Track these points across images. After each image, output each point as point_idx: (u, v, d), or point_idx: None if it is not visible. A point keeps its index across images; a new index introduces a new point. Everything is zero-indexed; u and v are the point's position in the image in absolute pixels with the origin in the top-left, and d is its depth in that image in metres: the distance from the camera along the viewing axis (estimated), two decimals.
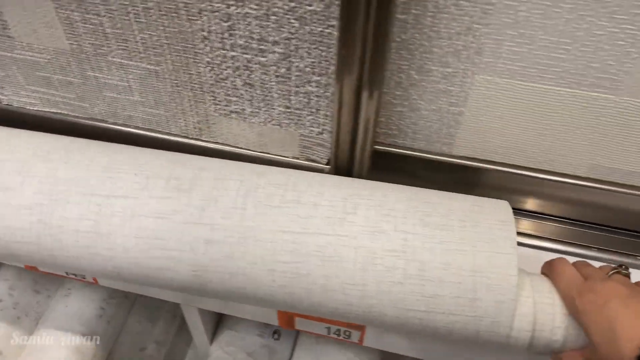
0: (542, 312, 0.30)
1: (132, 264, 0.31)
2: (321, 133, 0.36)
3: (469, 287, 0.29)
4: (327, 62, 0.31)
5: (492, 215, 0.31)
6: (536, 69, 0.31)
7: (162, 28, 0.32)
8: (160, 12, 0.31)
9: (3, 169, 0.32)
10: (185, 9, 0.31)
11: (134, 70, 0.36)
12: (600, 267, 0.31)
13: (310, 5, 0.28)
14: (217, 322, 0.56)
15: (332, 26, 0.29)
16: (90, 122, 0.40)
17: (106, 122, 0.40)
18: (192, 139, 0.39)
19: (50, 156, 0.33)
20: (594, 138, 0.34)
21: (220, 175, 0.32)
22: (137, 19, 0.32)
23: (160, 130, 0.39)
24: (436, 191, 0.33)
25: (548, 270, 0.32)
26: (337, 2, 0.27)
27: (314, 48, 0.31)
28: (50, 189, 0.31)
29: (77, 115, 0.40)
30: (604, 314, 0.27)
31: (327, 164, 0.37)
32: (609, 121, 0.33)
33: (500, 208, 0.32)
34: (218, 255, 0.30)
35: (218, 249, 0.30)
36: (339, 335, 0.39)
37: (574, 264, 0.31)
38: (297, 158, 0.38)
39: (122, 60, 0.35)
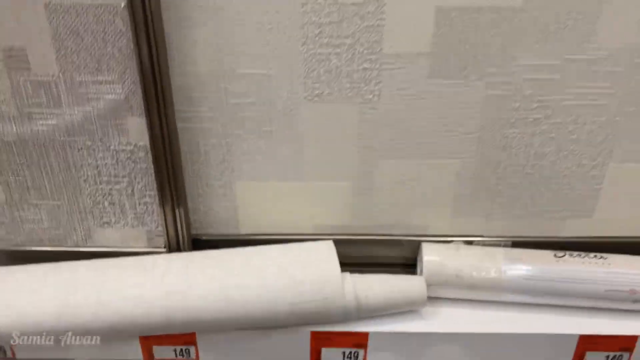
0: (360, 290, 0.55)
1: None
2: (158, 228, 0.62)
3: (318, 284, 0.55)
4: (153, 186, 0.59)
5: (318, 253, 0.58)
6: (275, 172, 0.60)
7: (60, 179, 0.59)
8: (60, 168, 0.58)
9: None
10: (74, 166, 0.58)
11: (45, 207, 0.61)
12: None
13: (138, 155, 0.57)
14: None
15: (151, 165, 0.57)
16: (12, 248, 0.63)
17: (24, 246, 0.63)
18: (81, 246, 0.63)
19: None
20: (310, 204, 0.62)
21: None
22: (47, 175, 0.59)
23: (60, 244, 0.63)
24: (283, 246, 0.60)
25: None
26: (149, 155, 0.56)
27: (144, 177, 0.59)
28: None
29: (5, 245, 0.63)
30: None
31: (164, 248, 0.62)
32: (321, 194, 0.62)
33: (326, 246, 0.58)
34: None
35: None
36: (183, 355, 0.60)
37: None
38: (147, 247, 0.63)
39: (37, 202, 0.60)
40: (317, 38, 0.52)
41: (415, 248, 0.64)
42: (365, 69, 0.54)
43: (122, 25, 0.50)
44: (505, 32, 0.51)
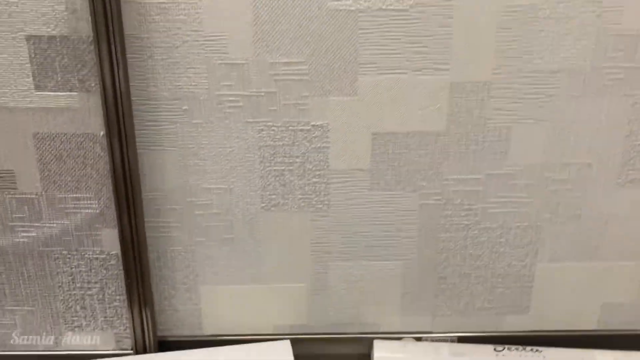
0: None
1: None
2: (126, 330, 0.66)
3: None
4: (122, 291, 0.64)
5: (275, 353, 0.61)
6: (236, 276, 0.66)
7: (37, 286, 0.64)
8: (37, 275, 0.63)
9: None
10: (50, 273, 0.63)
11: (19, 313, 0.65)
12: None
13: (110, 263, 0.62)
14: None
15: (122, 272, 0.63)
16: None
17: None
18: (51, 350, 0.66)
19: None
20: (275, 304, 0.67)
21: None
22: (24, 282, 0.63)
23: (32, 349, 0.66)
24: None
25: None
26: (120, 263, 0.62)
27: (114, 282, 0.63)
28: None
29: None
30: None
31: (131, 350, 0.66)
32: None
33: (283, 346, 0.62)
34: None
35: None
36: None
37: None
38: (115, 349, 0.66)
39: (12, 307, 0.64)
40: (272, 157, 0.60)
41: (369, 345, 0.68)
42: (315, 182, 0.61)
43: (100, 150, 0.58)
44: (432, 151, 0.60)
